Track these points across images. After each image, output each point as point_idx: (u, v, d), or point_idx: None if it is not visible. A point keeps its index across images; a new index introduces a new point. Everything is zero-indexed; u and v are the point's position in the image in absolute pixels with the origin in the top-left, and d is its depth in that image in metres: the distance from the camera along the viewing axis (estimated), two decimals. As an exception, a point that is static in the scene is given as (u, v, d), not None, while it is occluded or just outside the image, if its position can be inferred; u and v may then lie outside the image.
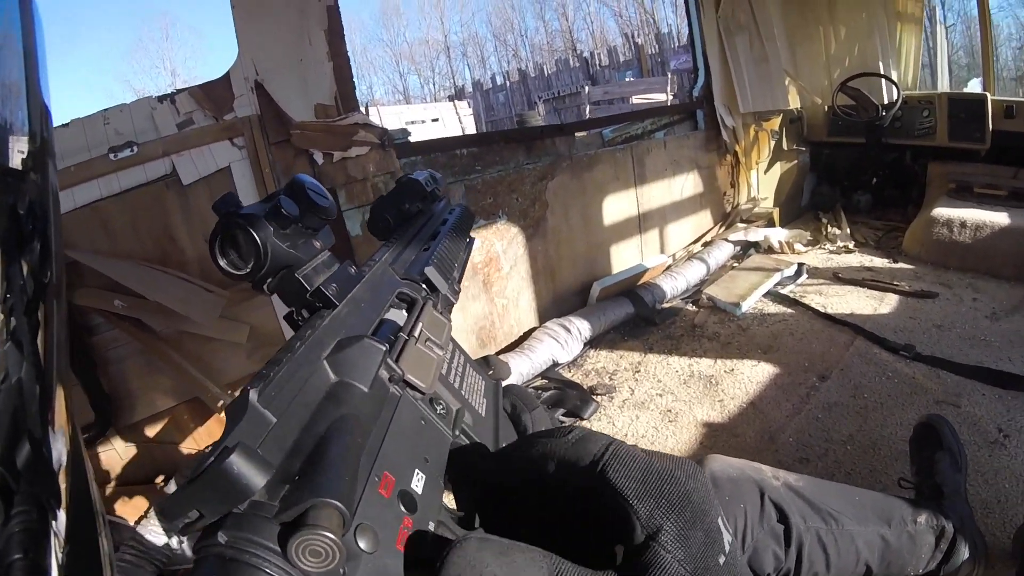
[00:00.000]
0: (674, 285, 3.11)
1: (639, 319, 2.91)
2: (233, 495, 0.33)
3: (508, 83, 17.25)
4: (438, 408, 0.54)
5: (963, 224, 2.96)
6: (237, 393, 0.41)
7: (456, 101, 13.86)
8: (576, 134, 3.16)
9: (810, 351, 2.39)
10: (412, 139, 2.49)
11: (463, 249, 0.86)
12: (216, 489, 0.33)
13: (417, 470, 0.44)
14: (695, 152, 3.65)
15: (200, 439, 2.07)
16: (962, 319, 2.46)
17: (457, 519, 0.54)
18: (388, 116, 11.89)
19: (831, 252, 3.50)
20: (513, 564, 0.41)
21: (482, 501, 0.57)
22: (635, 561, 0.43)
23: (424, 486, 0.43)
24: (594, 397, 2.30)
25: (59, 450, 1.19)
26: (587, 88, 12.38)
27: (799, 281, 3.11)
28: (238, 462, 0.33)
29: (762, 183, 4.05)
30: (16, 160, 0.70)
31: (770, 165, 4.07)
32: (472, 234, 2.46)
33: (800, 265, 3.17)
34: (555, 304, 2.95)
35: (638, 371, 2.47)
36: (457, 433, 0.54)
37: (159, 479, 1.97)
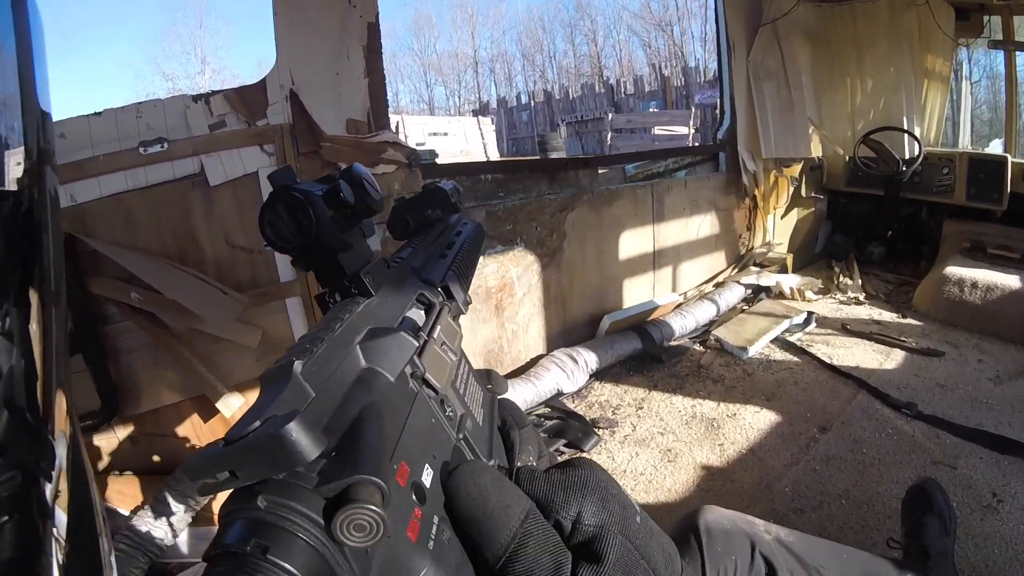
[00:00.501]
0: (683, 324, 3.15)
1: (646, 355, 2.94)
2: (282, 463, 0.33)
3: (532, 103, 17.43)
4: (447, 410, 0.55)
5: (974, 284, 2.99)
6: (275, 364, 0.43)
7: (480, 117, 14.02)
8: (599, 168, 3.22)
9: (813, 402, 2.42)
10: (439, 160, 2.54)
11: (475, 264, 0.90)
12: (266, 454, 0.33)
13: (427, 465, 0.45)
14: (714, 193, 3.70)
15: (202, 436, 2.09)
16: (966, 380, 2.48)
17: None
18: (411, 126, 12.06)
19: (841, 302, 3.53)
20: (504, 490, 0.46)
21: None
22: (578, 543, 0.47)
23: (432, 481, 0.44)
24: (596, 430, 2.34)
25: (60, 453, 1.22)
26: (610, 115, 12.50)
27: (807, 329, 3.14)
28: (296, 430, 0.33)
29: (778, 228, 4.10)
30: (12, 174, 0.71)
31: (787, 211, 4.13)
32: (488, 259, 2.54)
33: (809, 314, 3.20)
34: (564, 334, 3.00)
35: (641, 407, 2.51)
36: (460, 437, 0.55)
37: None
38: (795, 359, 2.83)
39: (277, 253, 2.15)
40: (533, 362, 2.81)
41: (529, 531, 0.44)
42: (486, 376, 0.74)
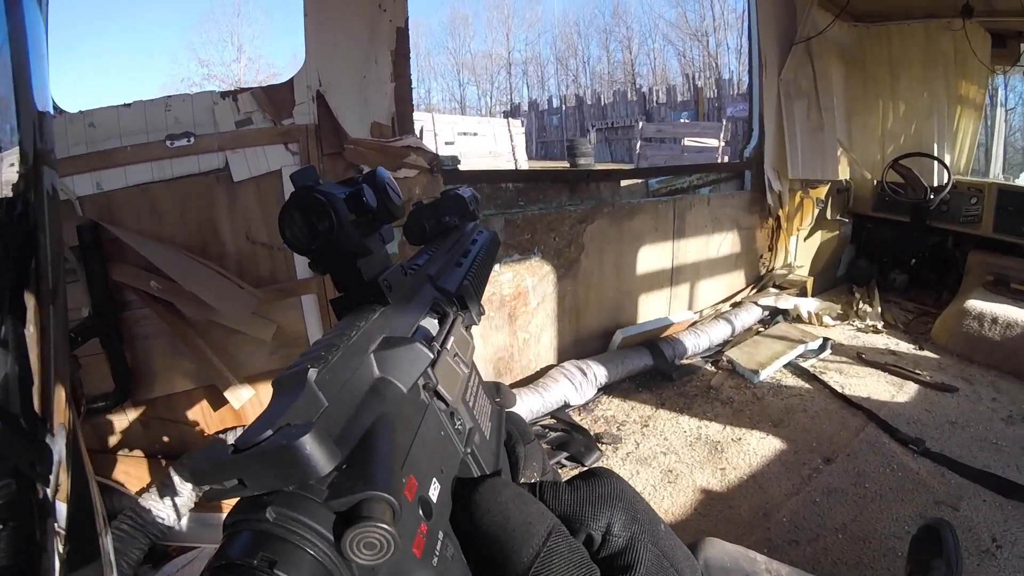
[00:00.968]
0: (696, 342, 3.14)
1: (657, 372, 2.94)
2: (294, 475, 0.32)
3: (564, 107, 17.42)
4: (457, 423, 0.54)
5: (994, 320, 2.94)
6: (289, 371, 0.41)
7: (510, 119, 14.04)
8: (622, 181, 3.22)
9: (820, 431, 2.40)
10: (462, 164, 2.56)
11: (489, 274, 0.90)
12: (277, 465, 0.32)
13: (434, 479, 0.44)
14: (738, 212, 3.68)
15: (212, 424, 2.15)
16: (977, 418, 2.45)
17: None
18: (441, 124, 12.11)
19: (859, 329, 3.49)
20: (525, 506, 0.45)
21: None
22: (607, 555, 0.47)
23: (439, 496, 0.43)
24: (599, 445, 2.35)
25: (59, 450, 1.25)
26: (641, 123, 12.44)
27: (822, 356, 3.11)
28: (311, 443, 0.32)
29: (800, 250, 4.06)
30: (6, 178, 0.70)
31: (811, 233, 4.09)
32: (504, 268, 2.55)
33: (825, 340, 3.17)
34: (576, 345, 3.01)
35: (646, 425, 2.51)
36: (469, 451, 0.54)
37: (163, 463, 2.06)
38: (806, 386, 2.81)
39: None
40: (543, 372, 2.82)
41: (553, 549, 0.43)
42: (495, 389, 0.73)
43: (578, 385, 2.67)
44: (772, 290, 3.81)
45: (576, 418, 2.60)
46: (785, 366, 3.00)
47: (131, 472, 1.97)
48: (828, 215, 4.13)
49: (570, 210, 2.84)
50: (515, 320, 2.72)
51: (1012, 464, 2.13)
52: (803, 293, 3.83)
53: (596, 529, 0.47)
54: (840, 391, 2.71)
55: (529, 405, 2.48)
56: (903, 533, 1.81)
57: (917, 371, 2.84)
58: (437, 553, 0.40)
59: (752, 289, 3.86)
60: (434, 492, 0.42)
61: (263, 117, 2.04)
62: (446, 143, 11.96)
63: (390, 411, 0.44)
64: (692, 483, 2.11)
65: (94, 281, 1.84)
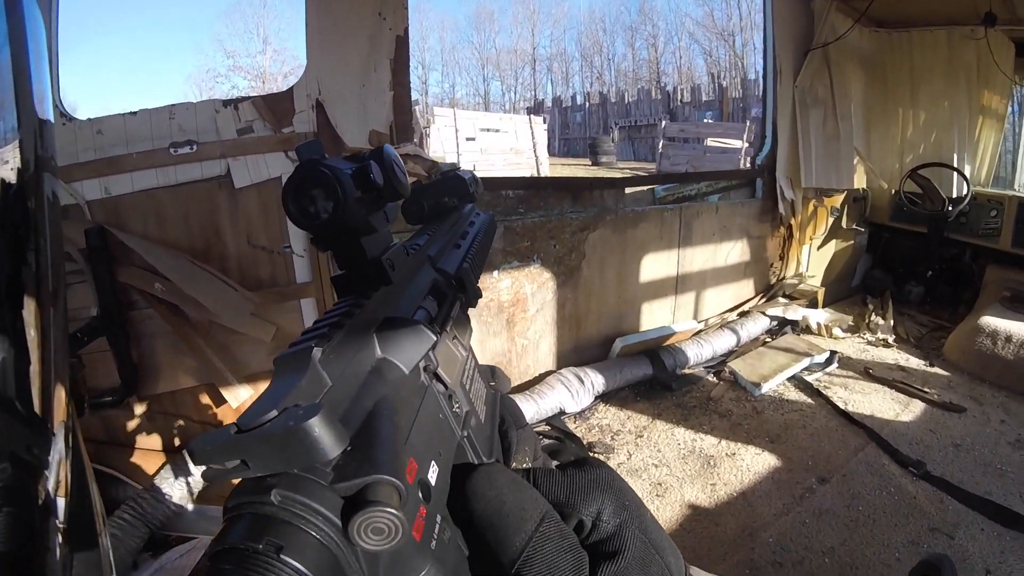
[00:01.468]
0: (699, 352, 3.11)
1: (656, 382, 2.92)
2: (301, 458, 0.32)
3: (587, 104, 17.31)
4: (454, 406, 0.54)
5: (1008, 338, 2.86)
6: (292, 348, 0.40)
7: (532, 115, 14.00)
8: (627, 189, 3.20)
9: (817, 449, 2.36)
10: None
11: (486, 256, 0.89)
12: (283, 447, 0.31)
13: (433, 462, 0.43)
14: (747, 220, 3.63)
15: (214, 420, 2.20)
16: (983, 441, 2.38)
17: None
18: (462, 120, 12.14)
19: (869, 343, 3.42)
20: (520, 493, 0.46)
21: None
22: (596, 540, 0.48)
23: (437, 479, 0.42)
24: (591, 454, 2.33)
25: (59, 447, 1.28)
26: (664, 122, 12.32)
27: (828, 370, 3.05)
28: (319, 425, 0.31)
29: (813, 260, 3.99)
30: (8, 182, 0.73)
31: (824, 242, 4.01)
32: (503, 274, 2.55)
33: (832, 353, 3.12)
34: (576, 352, 2.99)
35: (641, 436, 2.49)
36: (466, 434, 0.54)
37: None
38: (809, 401, 2.76)
39: (296, 256, 2.21)
40: (541, 378, 2.81)
41: (546, 534, 0.44)
42: (490, 373, 0.74)
43: (575, 392, 2.66)
44: (781, 300, 3.75)
45: (571, 426, 2.59)
46: (789, 379, 2.95)
47: (136, 464, 2.05)
48: (844, 224, 4.04)
49: (571, 217, 2.82)
50: (513, 326, 2.71)
51: (1015, 492, 2.06)
52: (814, 304, 3.76)
53: (587, 515, 0.48)
54: (843, 407, 2.66)
55: (524, 411, 2.46)
56: (893, 561, 1.77)
57: (925, 389, 2.77)
58: (435, 536, 0.40)
59: (761, 299, 3.80)
60: (432, 475, 0.42)
61: (264, 125, 2.09)
62: (467, 139, 11.99)
63: (392, 393, 0.43)
64: (680, 498, 2.09)
65: (101, 282, 1.92)
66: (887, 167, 4.03)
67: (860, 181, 3.99)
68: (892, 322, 3.61)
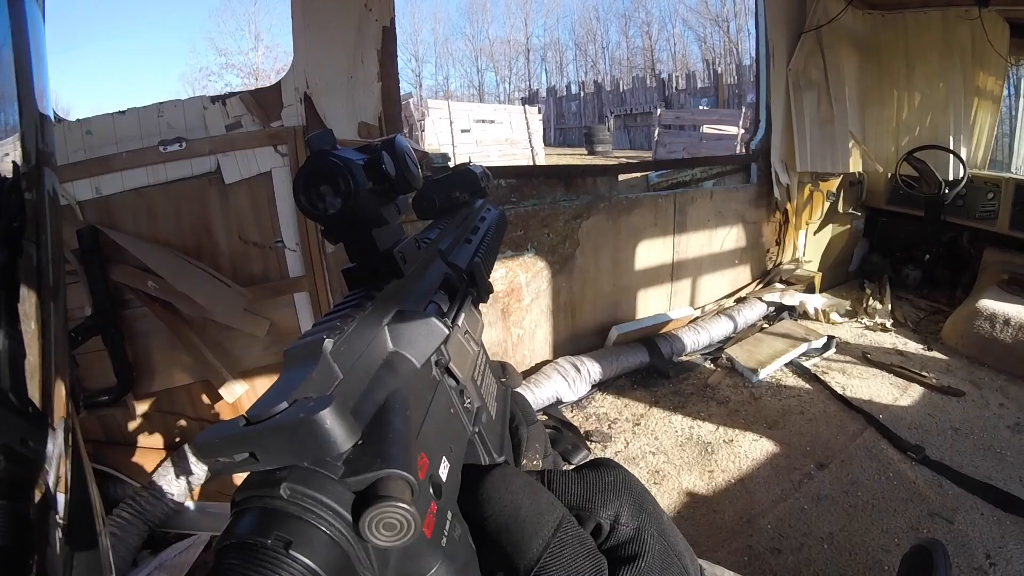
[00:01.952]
0: (696, 339, 3.09)
1: (653, 369, 2.90)
2: (312, 451, 0.31)
3: (582, 93, 17.21)
4: (466, 401, 0.53)
5: (1006, 321, 2.84)
6: (302, 340, 0.39)
7: (527, 106, 13.93)
8: (620, 176, 3.17)
9: (816, 434, 2.35)
10: (451, 164, 2.54)
11: (497, 252, 0.88)
12: (294, 440, 0.31)
13: (444, 458, 0.43)
14: (743, 206, 3.60)
15: (210, 416, 2.20)
16: (982, 425, 2.36)
17: None
18: (457, 111, 12.09)
19: (867, 327, 3.41)
20: (536, 497, 0.45)
21: None
22: (614, 544, 0.47)
23: (448, 475, 0.42)
24: (588, 443, 2.32)
25: (59, 443, 1.27)
26: (659, 110, 12.27)
27: (826, 355, 3.04)
28: (331, 418, 0.30)
29: (809, 245, 3.96)
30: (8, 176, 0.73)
31: (821, 227, 3.98)
32: (497, 264, 2.53)
33: (830, 338, 3.10)
34: (572, 341, 2.98)
35: (638, 424, 2.48)
36: (477, 430, 0.53)
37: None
38: (806, 386, 2.75)
39: (288, 250, 2.20)
40: (537, 368, 2.80)
41: (563, 539, 0.44)
42: (500, 369, 0.73)
43: (571, 381, 2.65)
44: (778, 285, 3.73)
45: (568, 415, 2.58)
46: (786, 365, 2.94)
47: (134, 462, 2.06)
48: (840, 208, 4.02)
49: (564, 205, 2.80)
50: (508, 316, 2.70)
51: (1015, 476, 2.05)
52: (811, 289, 3.74)
53: (605, 518, 0.48)
54: (841, 392, 2.65)
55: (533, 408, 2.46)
56: (892, 546, 1.76)
57: (923, 373, 2.76)
58: (446, 534, 0.39)
59: (758, 284, 3.78)
60: (443, 471, 0.41)
61: (252, 120, 2.08)
62: (462, 130, 11.92)
63: (403, 386, 0.43)
64: (678, 485, 2.08)
65: (94, 282, 1.92)
66: (883, 150, 4.00)
67: (856, 165, 3.96)
68: (890, 307, 3.59)
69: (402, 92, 2.33)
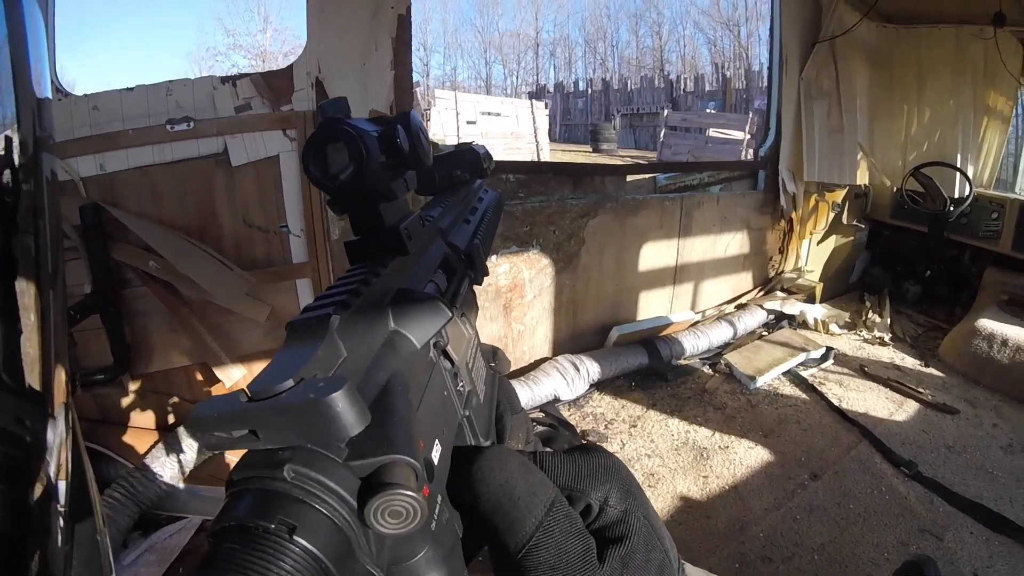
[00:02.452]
0: (695, 343, 3.10)
1: (651, 371, 2.91)
2: (320, 434, 0.30)
3: (590, 90, 17.16)
4: (459, 384, 0.52)
5: (1004, 342, 2.85)
6: (307, 314, 0.37)
7: (534, 100, 13.91)
8: (628, 177, 3.17)
9: (811, 445, 2.36)
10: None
11: (494, 234, 0.87)
12: (301, 420, 0.29)
13: (437, 440, 0.42)
14: (748, 212, 3.61)
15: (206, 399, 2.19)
16: (975, 444, 2.38)
17: None
18: (464, 103, 12.08)
19: (865, 340, 3.42)
20: (530, 476, 0.45)
21: None
22: (602, 524, 0.47)
23: (439, 458, 0.41)
24: (583, 442, 2.33)
25: (59, 432, 1.27)
26: (666, 111, 12.26)
27: (823, 365, 3.05)
28: (343, 400, 0.29)
29: (812, 255, 3.98)
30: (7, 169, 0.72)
31: (824, 237, 3.99)
32: (501, 259, 2.53)
33: (828, 349, 3.11)
34: (572, 339, 2.98)
35: (635, 425, 2.49)
36: (467, 414, 0.53)
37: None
38: (803, 396, 2.76)
39: (292, 235, 2.18)
40: (536, 364, 2.80)
41: (555, 518, 0.44)
42: (491, 353, 0.72)
43: (570, 380, 2.65)
44: (779, 294, 3.74)
45: (565, 413, 2.59)
46: (784, 374, 2.95)
47: (127, 442, 2.06)
48: (844, 220, 4.03)
49: (572, 203, 2.79)
50: (510, 311, 2.70)
51: (1005, 496, 2.07)
52: (812, 299, 3.75)
53: (595, 500, 0.48)
54: (837, 404, 2.66)
55: (519, 397, 2.46)
56: (882, 560, 1.77)
57: (920, 389, 2.77)
58: (435, 518, 0.39)
59: (759, 292, 3.79)
60: (435, 454, 0.41)
61: (262, 103, 2.06)
62: (468, 122, 11.91)
63: (403, 368, 0.42)
64: (672, 489, 2.09)
65: (95, 259, 1.92)
66: (890, 164, 4.01)
67: (863, 177, 3.97)
68: (889, 320, 3.61)
69: (410, 81, 2.33)
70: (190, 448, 1.96)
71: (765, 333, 3.39)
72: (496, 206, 0.86)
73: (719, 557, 1.78)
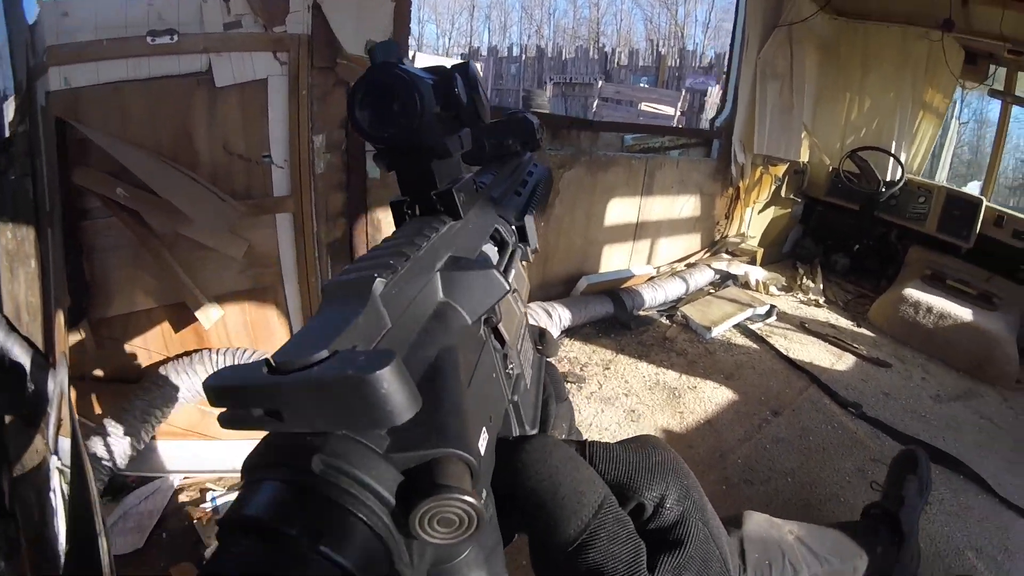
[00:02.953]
0: (654, 296, 3.24)
1: (616, 320, 3.03)
2: (359, 419, 0.24)
3: (523, 56, 17.04)
4: (508, 366, 0.47)
5: (929, 309, 3.16)
6: (346, 276, 0.33)
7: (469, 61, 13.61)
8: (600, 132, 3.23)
9: (767, 387, 2.56)
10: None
11: (544, 211, 0.82)
12: (339, 401, 0.23)
13: (484, 428, 0.35)
14: (702, 178, 3.79)
15: (172, 347, 1.96)
16: (908, 393, 2.66)
17: None
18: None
19: (801, 302, 3.69)
20: (577, 472, 0.42)
21: None
22: (657, 527, 0.47)
23: (485, 447, 0.35)
24: (565, 383, 2.40)
25: (61, 381, 1.18)
26: (600, 82, 12.35)
27: (768, 321, 3.28)
28: (390, 380, 0.23)
29: (754, 222, 4.24)
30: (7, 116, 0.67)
31: (765, 207, 4.26)
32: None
33: (772, 307, 3.34)
34: (541, 288, 3.06)
35: (608, 368, 2.60)
36: (515, 399, 0.48)
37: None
38: (754, 346, 2.97)
39: (275, 166, 2.03)
40: (508, 310, 2.84)
41: (603, 522, 0.41)
42: (539, 335, 0.68)
43: (544, 326, 2.71)
44: (725, 256, 3.96)
45: (540, 356, 2.64)
46: (735, 326, 3.15)
47: (82, 397, 1.79)
48: (783, 193, 4.30)
49: (551, 153, 2.83)
50: (486, 257, 2.71)
51: (939, 436, 2.33)
52: (753, 262, 4.00)
53: (649, 499, 0.46)
54: (785, 353, 2.88)
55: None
56: (844, 483, 1.98)
57: (855, 345, 3.04)
58: None
59: (706, 252, 4.00)
60: (482, 444, 0.34)
61: (254, 21, 1.86)
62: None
63: (454, 345, 0.37)
64: (654, 423, 2.21)
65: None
66: (830, 144, 4.29)
67: (804, 155, 4.24)
68: (822, 286, 3.90)
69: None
70: (158, 407, 1.75)
71: (712, 291, 3.58)
72: (547, 181, 0.83)
73: (707, 480, 1.92)
